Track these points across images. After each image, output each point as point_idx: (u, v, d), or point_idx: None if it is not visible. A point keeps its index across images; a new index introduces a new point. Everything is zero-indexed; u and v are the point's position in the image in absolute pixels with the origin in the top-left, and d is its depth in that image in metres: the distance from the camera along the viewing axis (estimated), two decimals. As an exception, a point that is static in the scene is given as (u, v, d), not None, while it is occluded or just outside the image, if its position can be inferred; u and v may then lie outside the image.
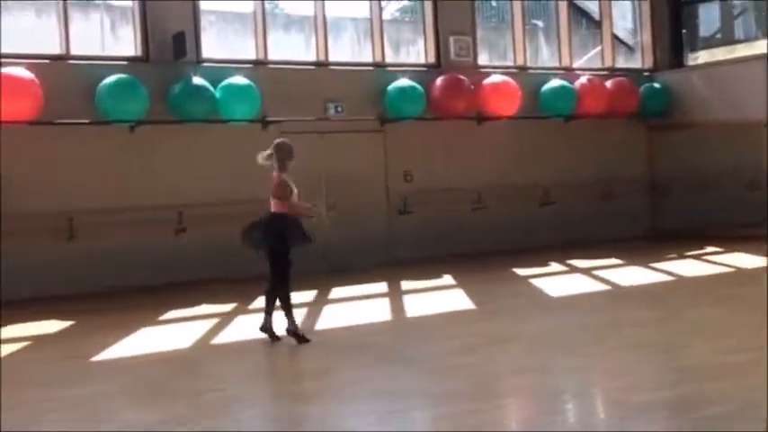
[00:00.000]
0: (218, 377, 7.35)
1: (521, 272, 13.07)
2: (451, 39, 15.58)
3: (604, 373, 6.87)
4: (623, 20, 19.43)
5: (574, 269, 13.26)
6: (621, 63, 18.27)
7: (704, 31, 19.08)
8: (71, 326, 10.14)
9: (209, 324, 9.69)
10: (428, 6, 15.58)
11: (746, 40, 18.41)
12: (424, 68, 15.54)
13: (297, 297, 11.17)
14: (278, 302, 8.46)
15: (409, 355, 7.67)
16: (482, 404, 6.02)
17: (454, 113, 15.09)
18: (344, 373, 7.14)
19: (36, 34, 13.01)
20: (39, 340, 9.34)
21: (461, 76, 15.15)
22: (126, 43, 13.55)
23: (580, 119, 16.38)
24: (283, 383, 7.25)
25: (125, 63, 13.14)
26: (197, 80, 13.09)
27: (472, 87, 15.18)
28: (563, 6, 17.26)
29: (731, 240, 14.81)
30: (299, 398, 6.64)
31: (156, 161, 13.10)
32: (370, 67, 15.27)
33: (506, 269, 13.34)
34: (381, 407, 6.07)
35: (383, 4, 15.60)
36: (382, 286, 12.30)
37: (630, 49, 19.62)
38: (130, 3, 13.43)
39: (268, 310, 8.50)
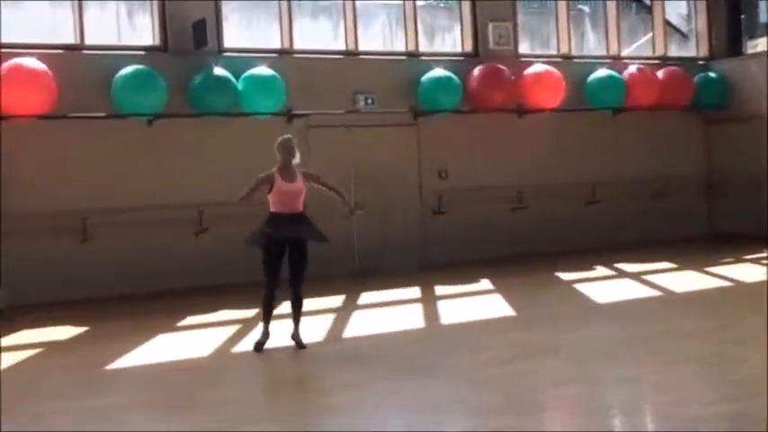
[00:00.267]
0: (239, 388, 7.39)
1: (564, 276, 13.02)
2: (490, 25, 15.52)
3: (654, 385, 6.81)
4: (676, 5, 19.25)
5: (622, 273, 13.18)
6: (674, 51, 18.09)
7: (764, 16, 18.83)
8: (85, 332, 10.25)
9: (229, 331, 9.75)
10: (465, -9, 15.58)
11: (811, 25, 18.16)
12: (461, 57, 15.50)
13: (323, 302, 11.29)
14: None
15: (442, 365, 7.66)
16: (520, 418, 6.00)
17: (493, 106, 15.03)
18: (373, 385, 7.14)
19: (49, 23, 13.15)
20: (51, 347, 9.46)
21: (501, 66, 15.08)
22: (143, 32, 13.65)
23: (629, 111, 16.25)
24: (309, 395, 7.27)
25: (142, 53, 13.24)
26: (218, 71, 13.16)
27: (512, 78, 15.11)
28: (611, -10, 17.17)
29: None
30: (325, 411, 6.65)
31: (175, 157, 13.18)
32: (403, 57, 15.25)
33: (548, 273, 13.29)
34: (412, 421, 6.07)
35: (417, -12, 15.59)
36: (414, 291, 12.30)
37: (684, 36, 19.43)
38: (148, -11, 13.56)
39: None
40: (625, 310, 10.21)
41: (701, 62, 17.61)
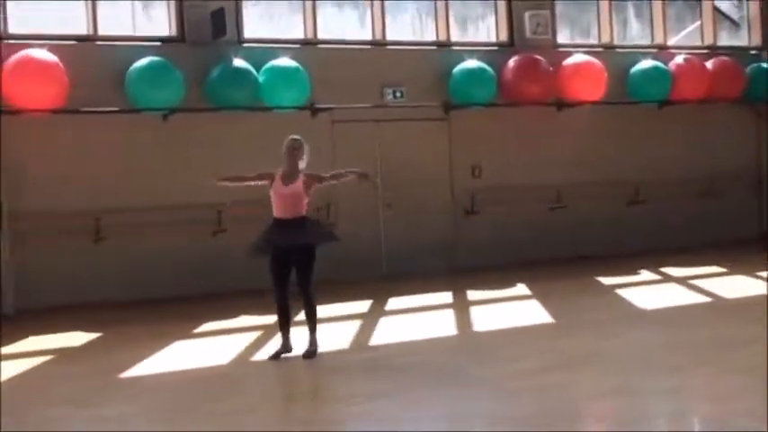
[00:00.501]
0: (258, 397, 7.42)
1: (606, 281, 12.98)
2: (527, 14, 15.50)
3: (702, 397, 6.78)
4: (727, -9, 19.11)
5: (668, 278, 13.12)
6: (724, 40, 17.97)
7: (822, 1, 18.65)
8: (98, 338, 10.34)
9: (250, 338, 9.81)
10: (500, -23, 15.58)
11: None
12: (495, 48, 15.50)
13: (349, 307, 11.32)
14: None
15: (475, 375, 7.66)
16: (558, 432, 6.00)
17: (529, 99, 15.01)
18: (402, 396, 7.14)
19: (60, 13, 13.26)
20: (62, 354, 9.55)
21: (538, 57, 15.07)
22: (159, 22, 13.74)
23: (676, 105, 16.18)
24: (334, 406, 7.29)
25: (158, 44, 13.34)
26: (238, 62, 13.24)
27: (550, 69, 15.10)
28: (656, -25, 17.10)
29: None
30: (351, 422, 6.67)
31: (193, 153, 13.26)
32: (434, 47, 15.27)
33: (589, 278, 13.26)
34: (443, 433, 6.08)
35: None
36: (446, 296, 12.29)
37: (735, 24, 19.26)
38: (164, -23, 13.66)
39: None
40: (670, 317, 10.16)
41: (752, 51, 17.50)
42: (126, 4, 13.75)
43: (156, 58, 12.80)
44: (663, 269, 13.72)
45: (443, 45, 15.25)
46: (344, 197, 13.75)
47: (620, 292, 12.01)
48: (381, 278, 13.97)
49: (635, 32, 18.14)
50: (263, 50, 13.67)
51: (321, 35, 14.45)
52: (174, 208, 13.01)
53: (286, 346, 8.64)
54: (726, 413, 6.16)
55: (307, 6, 14.33)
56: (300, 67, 13.51)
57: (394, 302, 11.92)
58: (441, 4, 15.26)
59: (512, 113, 15.12)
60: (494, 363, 8.10)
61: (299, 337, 8.70)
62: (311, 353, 8.52)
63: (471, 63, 14.78)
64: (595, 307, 11.08)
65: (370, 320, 10.65)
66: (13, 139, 12.06)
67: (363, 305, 11.63)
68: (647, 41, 17.16)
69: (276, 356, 8.56)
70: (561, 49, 15.76)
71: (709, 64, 16.46)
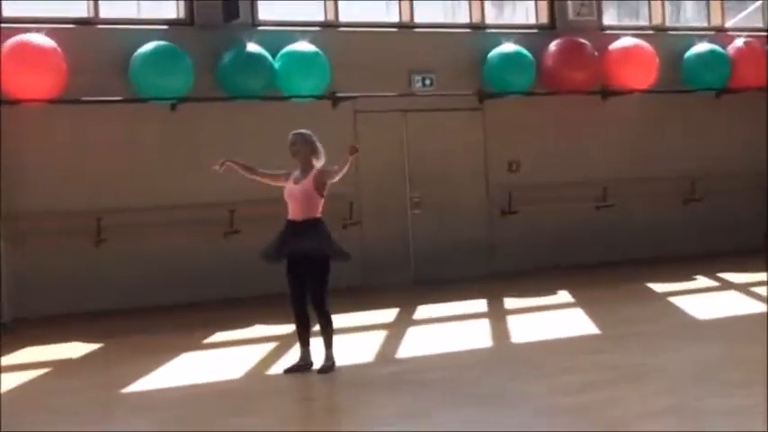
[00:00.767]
0: (273, 416, 7.41)
1: (658, 288, 12.93)
2: (569, -7, 15.50)
3: (765, 418, 6.71)
4: (792, -34, 18.97)
5: (727, 285, 13.05)
6: (789, 21, 17.88)
7: None
8: (98, 349, 10.38)
9: (264, 349, 9.81)
10: (540, -48, 15.54)
11: None
12: (535, 30, 15.47)
13: (373, 316, 11.30)
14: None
15: (512, 391, 7.63)
16: (605, 456, 5.95)
17: (572, 87, 14.98)
18: (432, 415, 7.12)
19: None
20: (60, 366, 9.59)
21: (582, 40, 15.02)
22: (166, 4, 13.80)
23: (735, 92, 16.11)
24: (357, 425, 7.27)
25: (165, 27, 13.40)
26: (252, 47, 13.26)
27: (595, 54, 15.05)
28: (713, -51, 17.01)
29: None
30: (374, 444, 6.66)
31: (203, 147, 13.26)
32: (467, 30, 15.26)
33: (639, 284, 13.21)
34: (477, 457, 6.04)
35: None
36: (480, 304, 12.29)
37: (801, 2, 19.15)
38: (172, -47, 13.71)
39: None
40: (730, 328, 10.09)
41: (821, 34, 17.35)
42: (130, -17, 13.83)
43: (162, 43, 12.85)
44: (721, 275, 13.67)
45: (477, 27, 15.22)
46: (368, 195, 13.75)
47: (673, 300, 11.95)
48: (409, 284, 13.96)
49: (689, 13, 18.06)
50: (280, 34, 13.70)
51: (342, 17, 14.45)
52: (183, 207, 13.05)
53: (305, 359, 8.61)
54: (793, 436, 6.09)
55: (327, -14, 14.36)
56: (320, 53, 13.52)
57: (423, 311, 11.91)
58: (475, -17, 15.26)
59: (552, 102, 15.09)
60: (533, 379, 8.06)
61: (319, 351, 8.68)
62: (327, 368, 8.50)
63: (508, 47, 14.73)
64: (646, 317, 11.03)
65: (396, 331, 10.64)
66: (6, 131, 12.11)
67: (389, 314, 11.63)
68: (702, 23, 17.09)
69: (293, 370, 8.55)
70: (607, 32, 15.73)
71: (771, 47, 16.38)
